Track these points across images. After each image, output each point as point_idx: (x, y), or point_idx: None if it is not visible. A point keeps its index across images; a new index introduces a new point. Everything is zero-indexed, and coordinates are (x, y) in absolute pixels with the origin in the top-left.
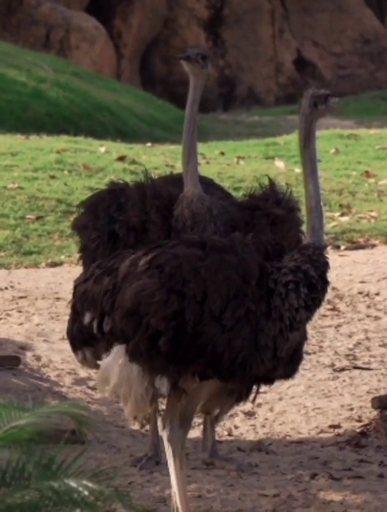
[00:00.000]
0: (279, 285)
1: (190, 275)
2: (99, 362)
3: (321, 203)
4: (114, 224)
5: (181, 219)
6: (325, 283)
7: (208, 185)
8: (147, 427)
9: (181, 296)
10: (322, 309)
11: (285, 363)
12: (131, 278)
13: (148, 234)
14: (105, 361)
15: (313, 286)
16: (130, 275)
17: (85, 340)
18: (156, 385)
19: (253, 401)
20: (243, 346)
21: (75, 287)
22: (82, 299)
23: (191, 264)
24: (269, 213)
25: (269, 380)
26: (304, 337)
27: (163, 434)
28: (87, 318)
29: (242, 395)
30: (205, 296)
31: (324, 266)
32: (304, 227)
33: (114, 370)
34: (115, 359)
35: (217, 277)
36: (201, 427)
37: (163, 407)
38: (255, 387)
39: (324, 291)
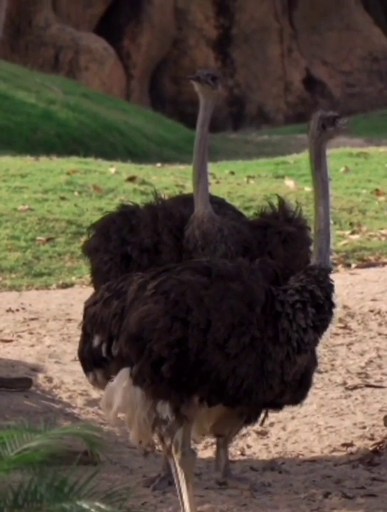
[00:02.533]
0: (286, 306)
1: (194, 303)
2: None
3: (330, 226)
4: (126, 246)
5: (192, 239)
6: (331, 304)
7: (219, 204)
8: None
9: (184, 323)
10: (333, 328)
11: (293, 388)
12: (137, 302)
13: (161, 255)
14: (110, 384)
15: (320, 306)
16: (137, 299)
17: (96, 362)
18: (157, 410)
19: (262, 423)
20: (248, 373)
21: (85, 309)
22: (91, 322)
23: (195, 291)
24: (281, 231)
25: (277, 406)
26: (314, 363)
27: (176, 458)
28: (96, 341)
29: (251, 418)
30: (209, 325)
31: (330, 288)
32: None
33: (118, 393)
34: (120, 382)
35: (221, 306)
36: (214, 446)
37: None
38: (263, 411)
39: (330, 312)
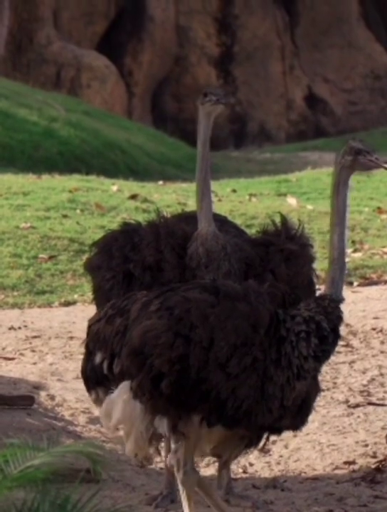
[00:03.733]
0: (291, 333)
1: (198, 320)
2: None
3: (344, 255)
4: (128, 264)
5: (196, 257)
6: (336, 336)
7: (222, 222)
8: (162, 464)
9: (187, 340)
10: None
11: (293, 413)
12: (141, 319)
13: (163, 273)
14: (110, 396)
15: (324, 338)
16: (141, 317)
17: (98, 380)
18: (155, 425)
19: (262, 448)
20: (248, 395)
21: (89, 327)
22: (94, 339)
23: (200, 309)
24: (283, 249)
25: (276, 430)
26: (315, 389)
27: (178, 477)
28: (98, 358)
29: (252, 441)
30: (211, 343)
31: (338, 320)
32: (316, 264)
33: (118, 406)
34: (120, 395)
35: (226, 325)
36: (216, 464)
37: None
38: (265, 435)
39: (334, 344)
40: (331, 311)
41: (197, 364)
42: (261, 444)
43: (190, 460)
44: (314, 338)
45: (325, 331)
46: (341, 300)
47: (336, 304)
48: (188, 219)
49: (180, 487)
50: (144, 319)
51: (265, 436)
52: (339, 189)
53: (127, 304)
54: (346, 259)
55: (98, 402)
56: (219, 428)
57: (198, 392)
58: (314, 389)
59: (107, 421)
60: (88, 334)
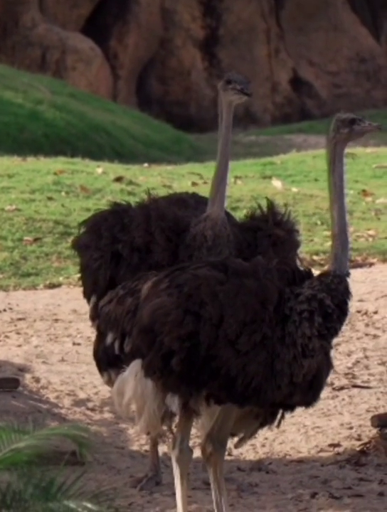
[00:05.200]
0: (294, 313)
1: (208, 297)
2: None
3: (346, 230)
4: (117, 244)
5: (200, 238)
6: (342, 312)
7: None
8: (147, 447)
9: (197, 317)
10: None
11: (304, 390)
12: (152, 297)
13: (152, 255)
14: (122, 375)
15: (328, 315)
16: (151, 296)
17: (110, 361)
18: (166, 403)
19: (278, 426)
20: (258, 371)
21: (100, 308)
22: (105, 320)
23: (210, 286)
24: (271, 234)
25: (288, 407)
26: (327, 365)
27: (173, 454)
28: (109, 338)
29: (267, 419)
30: (221, 320)
31: (344, 294)
32: (300, 249)
33: (130, 384)
34: (132, 373)
35: (235, 302)
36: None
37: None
38: (279, 412)
39: (340, 320)
40: (334, 287)
41: (207, 341)
42: (276, 421)
43: (187, 438)
44: (317, 317)
45: (329, 308)
46: (345, 274)
47: (340, 280)
48: (178, 201)
49: (174, 464)
50: (154, 297)
51: (280, 413)
52: (335, 164)
53: (138, 283)
54: (349, 236)
55: (110, 383)
56: (230, 406)
57: (208, 369)
58: (326, 365)
59: (120, 399)
60: (99, 316)
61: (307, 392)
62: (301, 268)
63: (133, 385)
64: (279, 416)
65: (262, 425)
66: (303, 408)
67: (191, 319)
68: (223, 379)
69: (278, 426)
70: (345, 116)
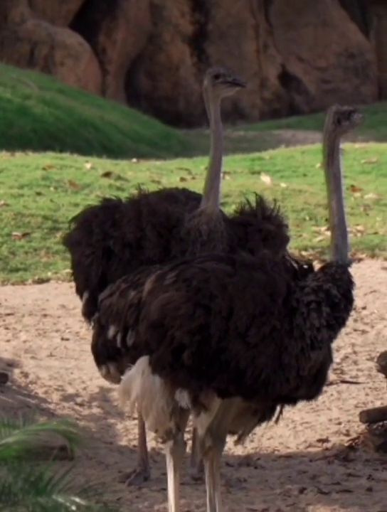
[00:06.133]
0: (301, 305)
1: (217, 290)
2: (122, 376)
3: (345, 221)
4: (109, 240)
5: (195, 233)
6: (348, 301)
7: (199, 201)
8: (135, 442)
9: (207, 310)
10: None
11: (309, 383)
12: (157, 291)
13: (143, 251)
14: (128, 373)
15: (335, 305)
16: (156, 289)
17: (110, 354)
18: (176, 398)
19: (276, 421)
20: (267, 364)
21: (101, 301)
22: (107, 313)
23: (219, 279)
24: (261, 229)
25: (291, 400)
26: (329, 359)
27: (167, 446)
28: (111, 331)
29: (265, 415)
30: (231, 313)
31: (348, 284)
32: (288, 245)
33: (137, 382)
34: (138, 370)
35: (244, 294)
36: (190, 442)
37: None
38: (278, 407)
39: (347, 309)
40: (339, 277)
41: (217, 334)
42: (274, 416)
43: (182, 430)
44: (325, 307)
45: (336, 298)
46: (348, 264)
47: (343, 269)
48: (169, 197)
49: (167, 457)
50: (161, 293)
51: (278, 409)
52: (334, 157)
53: (141, 277)
54: (347, 226)
55: (108, 377)
56: (238, 399)
57: (218, 362)
58: (329, 358)
59: (126, 398)
60: (100, 309)
61: (312, 386)
62: (304, 262)
63: (140, 383)
64: (277, 412)
65: (260, 421)
66: (312, 400)
67: (201, 312)
68: (232, 372)
69: (276, 422)
70: (344, 109)
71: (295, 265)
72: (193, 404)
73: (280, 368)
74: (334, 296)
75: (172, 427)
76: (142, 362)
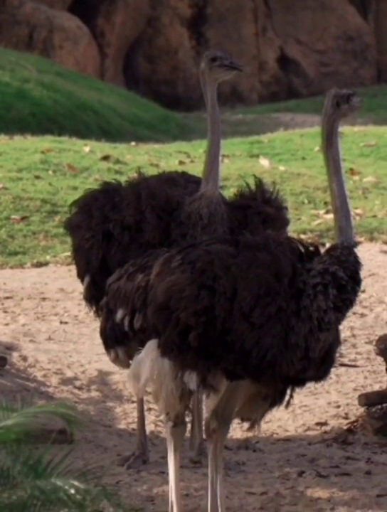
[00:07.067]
0: (308, 287)
1: (221, 271)
2: (131, 361)
3: (347, 202)
4: (108, 223)
5: (196, 216)
6: (356, 282)
7: (198, 184)
8: (134, 425)
9: (211, 291)
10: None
11: (317, 364)
12: (165, 274)
13: (142, 234)
14: (137, 357)
15: (342, 287)
16: (164, 272)
17: (118, 338)
18: (184, 380)
19: (287, 406)
20: (273, 344)
21: (109, 285)
22: (114, 297)
23: (222, 260)
24: (261, 212)
25: (300, 382)
26: (337, 340)
27: (167, 427)
28: (119, 315)
29: (276, 400)
30: (235, 293)
31: (354, 265)
32: (288, 227)
33: (146, 365)
34: (147, 354)
35: (248, 275)
36: (188, 426)
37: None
38: (288, 391)
39: (354, 291)
40: (345, 258)
41: (222, 315)
42: (285, 401)
43: (184, 410)
44: (332, 290)
45: (342, 280)
46: (353, 245)
47: (349, 251)
48: (168, 180)
49: (168, 437)
50: (167, 275)
51: (289, 392)
52: (333, 139)
53: (148, 260)
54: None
55: (117, 361)
56: (247, 383)
57: (223, 343)
58: (337, 339)
59: (136, 382)
60: (107, 293)
61: (320, 367)
62: (309, 244)
63: (149, 366)
64: (287, 396)
65: (271, 406)
66: (321, 382)
67: (205, 294)
68: (238, 353)
69: (287, 406)
70: (343, 92)
71: (301, 247)
72: (202, 385)
73: (287, 348)
74: (341, 278)
75: (182, 410)
76: (151, 345)
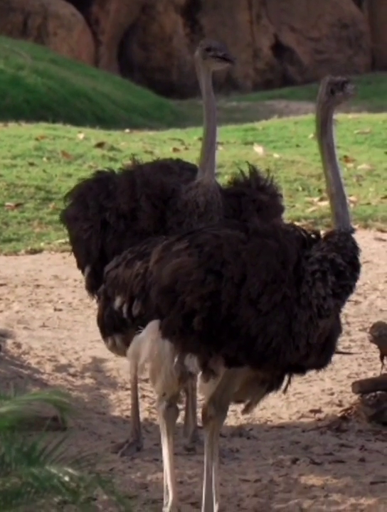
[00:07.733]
0: (306, 274)
1: (230, 257)
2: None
3: (343, 189)
4: (104, 212)
5: (192, 205)
6: (355, 268)
7: (193, 171)
8: (128, 412)
9: (218, 276)
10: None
11: (317, 351)
12: (164, 261)
13: (137, 222)
14: (138, 336)
15: (341, 273)
16: (163, 259)
17: (116, 326)
18: (185, 363)
19: (285, 391)
20: (278, 332)
21: (107, 273)
22: (113, 284)
23: (232, 245)
24: (255, 199)
25: (300, 369)
26: (338, 328)
27: (159, 410)
28: (117, 302)
29: (273, 385)
30: (243, 279)
31: (353, 251)
32: (283, 215)
33: (146, 345)
34: (148, 334)
35: (257, 261)
36: (183, 413)
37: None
38: (286, 377)
39: (354, 277)
40: (342, 245)
41: (228, 300)
42: (282, 386)
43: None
44: (330, 276)
45: (341, 267)
46: (351, 231)
47: (346, 237)
48: (163, 168)
49: (160, 420)
50: (173, 258)
51: (286, 378)
52: (327, 127)
53: (147, 247)
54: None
55: (114, 349)
56: (246, 368)
57: (228, 328)
58: (337, 327)
59: (135, 360)
60: (106, 281)
61: (320, 354)
62: (311, 232)
63: (149, 346)
64: (285, 382)
65: (268, 391)
66: (321, 369)
67: (212, 278)
68: (242, 339)
69: (285, 391)
70: (338, 80)
71: (304, 234)
72: (202, 369)
73: (290, 336)
74: (339, 265)
75: (179, 392)
76: (152, 325)
